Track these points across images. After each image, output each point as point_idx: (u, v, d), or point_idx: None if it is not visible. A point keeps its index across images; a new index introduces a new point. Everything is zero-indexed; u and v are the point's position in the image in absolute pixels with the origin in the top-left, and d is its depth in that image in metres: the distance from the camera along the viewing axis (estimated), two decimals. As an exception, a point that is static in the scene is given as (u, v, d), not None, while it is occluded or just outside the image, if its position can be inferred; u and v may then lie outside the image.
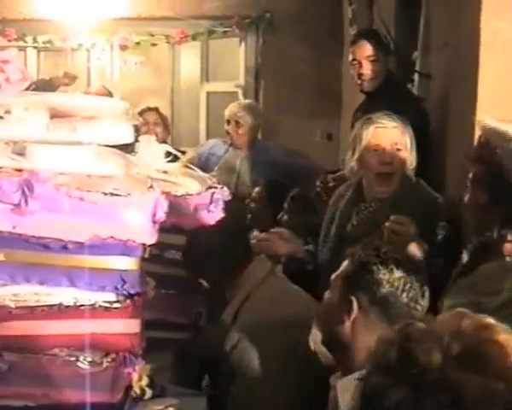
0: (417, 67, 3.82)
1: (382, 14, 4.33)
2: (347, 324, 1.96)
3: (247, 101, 5.67)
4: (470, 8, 2.98)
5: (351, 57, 3.76)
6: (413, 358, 1.08)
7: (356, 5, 4.82)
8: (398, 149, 2.86)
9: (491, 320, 1.12)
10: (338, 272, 2.06)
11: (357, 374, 1.94)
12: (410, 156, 2.88)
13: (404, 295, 1.94)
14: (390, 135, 2.87)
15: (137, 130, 2.16)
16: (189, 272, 2.75)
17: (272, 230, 3.26)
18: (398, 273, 1.95)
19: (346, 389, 1.97)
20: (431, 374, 1.05)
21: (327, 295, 2.08)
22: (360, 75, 3.70)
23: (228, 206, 2.41)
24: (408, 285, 1.94)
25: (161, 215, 1.96)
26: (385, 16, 4.26)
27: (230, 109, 5.00)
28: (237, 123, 4.92)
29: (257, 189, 4.36)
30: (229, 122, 4.96)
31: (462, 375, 1.04)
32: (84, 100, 2.06)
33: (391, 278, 1.94)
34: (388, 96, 3.50)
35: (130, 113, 2.04)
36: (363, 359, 1.87)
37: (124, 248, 1.90)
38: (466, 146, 2.94)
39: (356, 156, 2.93)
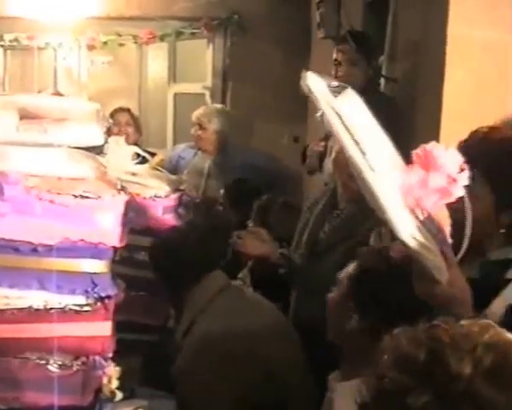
0: (384, 72, 3.85)
1: (350, 19, 4.35)
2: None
3: (215, 105, 5.67)
4: (437, 15, 3.01)
5: (333, 57, 3.78)
6: (444, 364, 1.04)
7: (324, 9, 4.83)
8: None
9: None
10: (345, 272, 2.03)
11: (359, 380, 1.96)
12: None
13: None
14: None
15: (107, 131, 2.16)
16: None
17: (250, 228, 3.24)
18: None
19: (345, 393, 1.97)
20: (460, 384, 1.02)
21: (333, 292, 2.06)
22: (337, 77, 3.70)
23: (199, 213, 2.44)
24: None
25: (131, 218, 1.96)
26: (352, 20, 4.29)
27: (196, 113, 5.02)
28: (201, 127, 4.94)
29: (222, 191, 4.35)
30: (193, 124, 4.98)
31: (490, 391, 1.01)
32: (55, 101, 2.05)
33: None
34: (365, 99, 3.50)
35: (101, 114, 2.03)
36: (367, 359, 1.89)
37: (94, 251, 1.89)
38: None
39: (332, 157, 2.93)
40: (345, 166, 2.81)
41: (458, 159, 1.45)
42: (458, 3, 2.87)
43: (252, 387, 2.40)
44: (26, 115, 1.92)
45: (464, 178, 1.43)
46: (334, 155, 2.93)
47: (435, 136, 2.89)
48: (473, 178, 1.49)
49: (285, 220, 3.68)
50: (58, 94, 5.21)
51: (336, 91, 1.50)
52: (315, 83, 1.46)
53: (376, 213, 1.52)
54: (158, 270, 2.68)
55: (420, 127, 3.20)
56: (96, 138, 2.00)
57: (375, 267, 1.94)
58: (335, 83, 1.55)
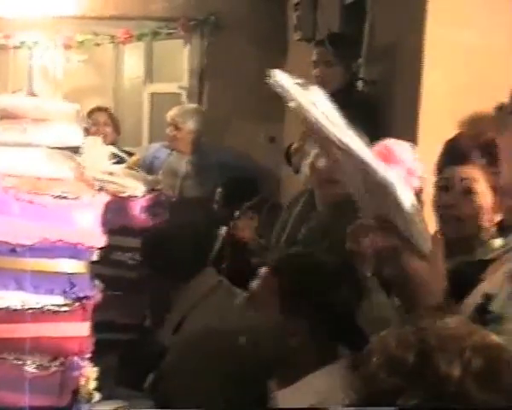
0: (362, 74, 3.87)
1: (327, 21, 4.37)
2: None
3: (189, 105, 5.64)
4: (414, 17, 3.04)
5: (312, 58, 3.78)
6: (433, 366, 1.05)
7: (300, 11, 4.84)
8: None
9: (497, 338, 1.12)
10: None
11: (300, 384, 1.97)
12: None
13: None
14: None
15: (85, 131, 2.16)
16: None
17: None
18: None
19: (289, 399, 1.98)
20: (450, 386, 1.03)
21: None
22: (315, 77, 3.71)
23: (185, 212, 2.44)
24: None
25: (110, 218, 1.96)
26: (330, 23, 4.31)
27: (171, 114, 5.00)
28: (176, 127, 4.93)
29: (219, 190, 4.34)
30: (169, 126, 4.97)
31: (480, 392, 1.03)
32: (34, 102, 2.04)
33: None
34: (342, 101, 3.52)
35: (81, 115, 2.03)
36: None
37: (73, 252, 1.90)
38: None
39: (308, 161, 2.93)
40: (321, 170, 2.83)
41: (414, 154, 1.54)
42: (435, 6, 2.89)
43: (242, 384, 2.40)
44: (5, 116, 1.91)
45: (419, 171, 1.52)
46: (310, 159, 2.92)
47: (413, 136, 2.92)
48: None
49: (272, 222, 3.73)
50: (32, 95, 5.19)
51: (303, 87, 1.55)
52: (283, 79, 1.50)
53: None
54: (148, 268, 2.68)
55: (397, 128, 3.22)
56: (75, 139, 2.00)
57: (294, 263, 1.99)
58: (300, 81, 1.59)
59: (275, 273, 1.99)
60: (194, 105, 5.59)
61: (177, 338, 2.58)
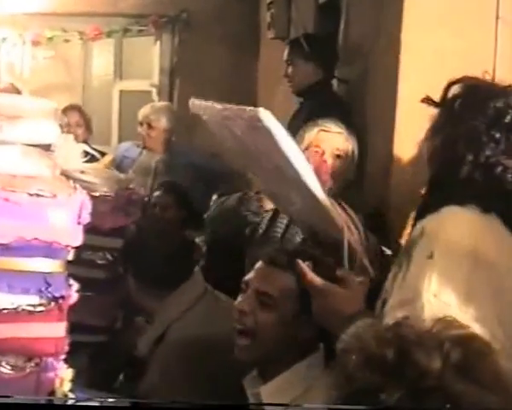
0: (336, 73, 3.88)
1: (302, 20, 4.38)
2: None
3: (161, 103, 5.61)
4: (390, 18, 3.05)
5: (284, 57, 3.84)
6: (412, 361, 1.06)
7: (274, 9, 4.85)
8: (338, 156, 2.84)
9: (473, 329, 1.16)
10: None
11: (286, 375, 1.99)
12: (350, 165, 2.88)
13: None
14: (332, 140, 2.85)
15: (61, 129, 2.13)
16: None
17: None
18: None
19: (272, 393, 1.99)
20: (430, 380, 1.04)
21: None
22: (286, 75, 3.79)
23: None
24: None
25: (86, 217, 1.94)
26: (304, 22, 4.32)
27: (143, 112, 4.96)
28: (150, 126, 4.89)
29: (157, 193, 4.19)
30: (141, 124, 4.92)
31: (460, 384, 1.04)
32: (10, 99, 2.01)
33: None
34: (316, 99, 3.55)
35: (58, 113, 2.01)
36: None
37: (48, 251, 1.87)
38: (385, 152, 3.02)
39: None
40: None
41: None
42: (410, 7, 2.91)
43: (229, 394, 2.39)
44: (-21, 113, 1.87)
45: None
46: None
47: (389, 136, 2.94)
48: None
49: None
50: (14, 88, 5.14)
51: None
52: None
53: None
54: (131, 274, 2.64)
55: (372, 127, 3.24)
56: (51, 136, 1.97)
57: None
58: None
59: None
60: (165, 103, 5.58)
61: (161, 348, 2.55)
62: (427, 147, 1.82)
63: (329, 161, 2.83)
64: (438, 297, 1.61)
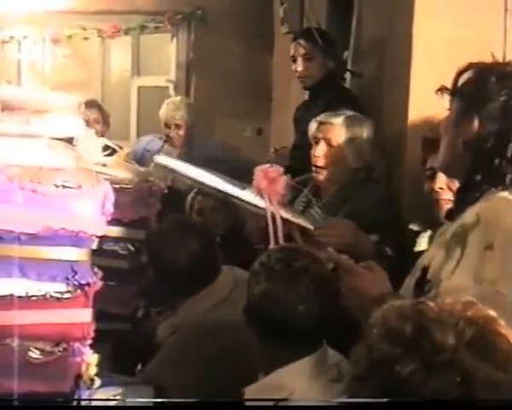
0: (349, 66, 3.92)
1: (314, 14, 4.41)
2: None
3: (178, 98, 5.55)
4: (402, 11, 3.09)
5: (290, 53, 3.84)
6: (428, 334, 1.13)
7: (287, 4, 4.88)
8: (330, 145, 2.91)
9: (493, 312, 1.19)
10: None
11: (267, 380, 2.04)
12: (350, 153, 2.93)
13: None
14: (324, 130, 2.94)
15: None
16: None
17: None
18: None
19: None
20: (443, 354, 1.11)
21: None
22: (296, 71, 3.79)
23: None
24: None
25: (109, 207, 2.00)
26: (317, 15, 4.35)
27: (167, 112, 4.93)
28: (177, 125, 4.91)
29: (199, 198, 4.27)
30: (168, 126, 4.94)
31: (472, 360, 1.10)
32: (37, 93, 2.07)
33: None
34: (327, 93, 3.58)
35: (82, 107, 2.07)
36: None
37: (75, 240, 1.91)
38: (398, 148, 3.06)
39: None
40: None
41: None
42: (423, 1, 2.95)
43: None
44: (6, 107, 1.94)
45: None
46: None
47: (403, 129, 2.98)
48: None
49: None
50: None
51: None
52: None
53: None
54: (157, 279, 2.71)
55: (387, 121, 3.27)
56: (76, 130, 2.03)
57: None
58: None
59: None
60: (182, 98, 5.52)
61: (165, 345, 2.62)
62: (461, 132, 1.82)
63: (321, 150, 2.93)
64: (495, 288, 1.63)
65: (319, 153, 2.94)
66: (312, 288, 2.05)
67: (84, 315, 1.96)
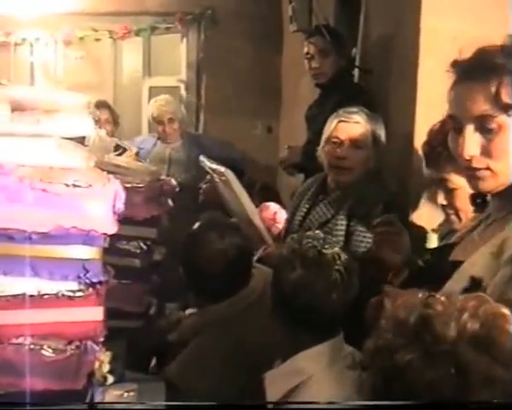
0: (357, 63, 3.92)
1: (323, 11, 4.42)
2: None
3: (162, 97, 5.32)
4: (409, 7, 3.09)
5: (305, 51, 3.85)
6: (430, 325, 1.15)
7: (296, 2, 4.90)
8: (357, 146, 2.90)
9: (507, 311, 1.20)
10: None
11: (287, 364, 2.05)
12: (372, 154, 2.93)
13: None
14: (349, 130, 2.91)
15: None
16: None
17: None
18: None
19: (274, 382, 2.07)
20: (443, 345, 1.13)
21: None
22: (311, 69, 3.80)
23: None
24: None
25: (120, 206, 2.01)
26: (325, 13, 4.36)
27: (158, 108, 5.02)
28: (170, 119, 4.98)
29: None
30: (162, 123, 5.00)
31: (472, 353, 1.12)
32: (47, 93, 2.09)
33: None
34: (339, 89, 3.59)
35: (92, 106, 2.08)
36: None
37: (86, 238, 1.93)
38: (406, 144, 3.06)
39: (321, 147, 3.01)
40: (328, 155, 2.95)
41: None
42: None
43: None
44: (17, 107, 1.95)
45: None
46: (322, 144, 3.03)
47: (410, 124, 2.98)
48: None
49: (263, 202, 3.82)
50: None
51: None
52: None
53: None
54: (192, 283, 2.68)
55: (394, 117, 3.28)
56: (86, 129, 2.05)
57: None
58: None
59: None
60: (166, 96, 5.34)
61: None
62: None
63: (347, 151, 2.90)
64: None
65: (344, 154, 2.91)
66: (346, 276, 2.08)
67: (96, 313, 1.98)
